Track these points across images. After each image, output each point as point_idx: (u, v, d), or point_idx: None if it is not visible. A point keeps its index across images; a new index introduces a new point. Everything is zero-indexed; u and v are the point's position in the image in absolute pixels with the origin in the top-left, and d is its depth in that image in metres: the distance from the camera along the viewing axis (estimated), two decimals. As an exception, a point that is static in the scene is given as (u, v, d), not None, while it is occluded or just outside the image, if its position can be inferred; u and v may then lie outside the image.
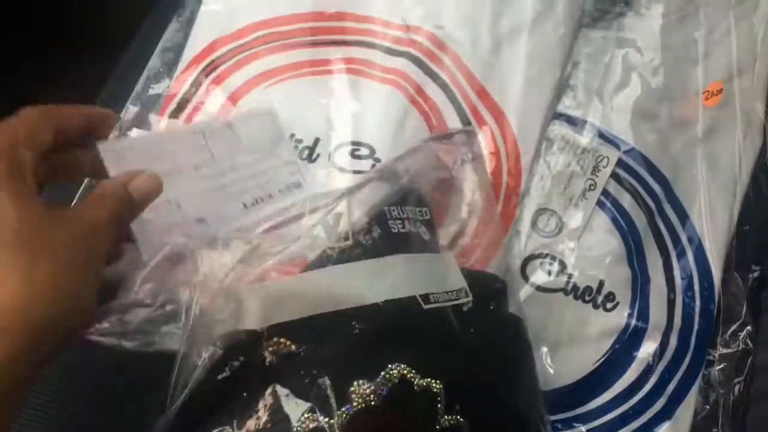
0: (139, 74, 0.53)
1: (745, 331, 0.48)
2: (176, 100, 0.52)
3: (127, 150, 0.38)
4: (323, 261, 0.37)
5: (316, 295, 0.35)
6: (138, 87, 0.52)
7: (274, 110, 0.50)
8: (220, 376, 0.33)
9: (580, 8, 0.57)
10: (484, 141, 0.52)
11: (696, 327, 0.50)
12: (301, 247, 0.35)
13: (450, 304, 0.39)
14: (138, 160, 0.38)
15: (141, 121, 0.51)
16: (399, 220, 0.40)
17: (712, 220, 0.52)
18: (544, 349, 0.48)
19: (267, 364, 0.34)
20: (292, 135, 0.51)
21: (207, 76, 0.53)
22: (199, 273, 0.31)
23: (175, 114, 0.51)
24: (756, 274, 0.50)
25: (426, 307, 0.38)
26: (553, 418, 0.47)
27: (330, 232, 0.36)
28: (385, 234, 0.39)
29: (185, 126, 0.49)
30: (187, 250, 0.32)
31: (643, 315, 0.50)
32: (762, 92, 0.54)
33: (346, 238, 0.38)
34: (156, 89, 0.52)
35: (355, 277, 0.37)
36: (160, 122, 0.51)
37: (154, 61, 0.54)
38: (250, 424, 0.33)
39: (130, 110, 0.51)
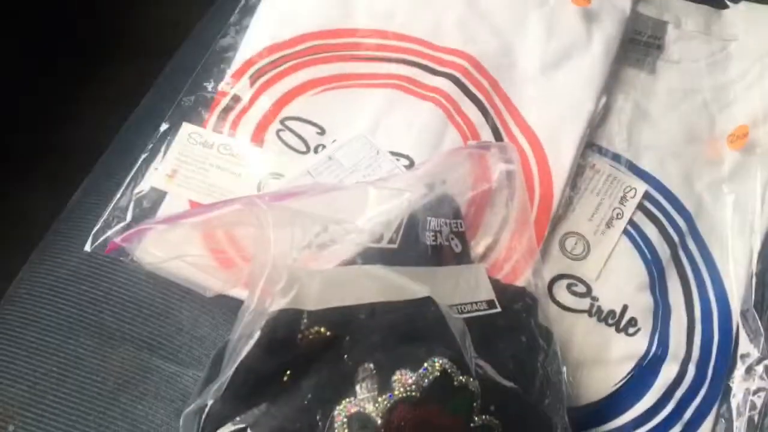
0: (190, 74, 0.55)
1: (761, 366, 0.49)
2: (226, 99, 0.54)
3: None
4: (368, 258, 0.39)
5: (368, 286, 0.36)
6: (190, 84, 0.54)
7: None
8: (267, 353, 0.34)
9: (616, 46, 0.59)
10: (518, 163, 0.54)
11: (713, 358, 0.51)
12: (361, 242, 0.36)
13: (480, 314, 0.41)
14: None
15: (191, 117, 0.53)
16: (434, 233, 0.42)
17: (733, 258, 0.53)
18: (565, 369, 0.49)
19: (313, 345, 0.35)
20: (334, 141, 0.53)
21: (257, 79, 0.55)
22: (270, 252, 0.32)
23: (225, 113, 0.53)
24: (774, 312, 0.51)
25: (458, 316, 0.39)
26: (572, 436, 0.47)
27: (387, 232, 0.38)
28: (423, 245, 0.41)
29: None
30: (260, 221, 0.33)
31: (664, 343, 0.51)
32: (786, 138, 0.56)
33: (393, 242, 0.39)
34: (207, 88, 0.54)
35: (399, 278, 0.38)
36: (210, 119, 0.53)
37: (207, 62, 0.56)
38: (293, 403, 0.34)
39: (182, 105, 0.53)
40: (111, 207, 0.48)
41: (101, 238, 0.47)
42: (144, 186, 0.49)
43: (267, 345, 0.34)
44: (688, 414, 0.49)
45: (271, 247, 0.33)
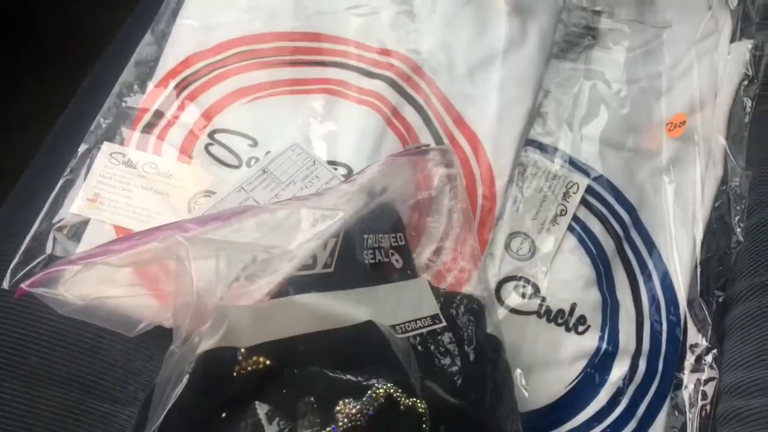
0: (110, 88, 0.52)
1: (710, 355, 0.50)
2: (149, 114, 0.51)
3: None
4: (302, 286, 0.37)
5: (302, 317, 0.34)
6: (110, 100, 0.51)
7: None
8: (200, 394, 0.32)
9: (550, 39, 0.59)
10: (459, 165, 0.52)
11: (663, 351, 0.51)
12: (293, 268, 0.34)
13: (425, 330, 0.39)
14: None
15: (112, 135, 0.50)
16: (372, 250, 0.40)
17: (677, 247, 0.53)
18: (518, 372, 0.48)
19: (249, 382, 0.33)
20: (268, 152, 0.51)
21: (182, 91, 0.52)
22: (193, 290, 0.30)
23: (148, 129, 0.50)
24: (720, 300, 0.51)
25: (400, 336, 0.38)
26: (528, 441, 0.47)
27: (321, 256, 0.36)
28: (361, 264, 0.39)
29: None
30: (180, 258, 0.30)
31: (613, 339, 0.50)
32: (723, 125, 0.56)
33: (328, 266, 0.37)
34: (128, 102, 0.51)
35: (338, 303, 0.36)
36: (132, 136, 0.50)
37: (127, 75, 0.52)
38: (230, 444, 0.32)
39: (101, 123, 0.50)
40: (29, 238, 0.45)
41: (20, 274, 0.43)
42: (64, 213, 0.46)
43: (199, 385, 0.32)
44: (641, 409, 0.49)
45: (194, 285, 0.30)
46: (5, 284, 0.43)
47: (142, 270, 0.36)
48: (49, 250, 0.44)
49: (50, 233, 0.45)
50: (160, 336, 0.41)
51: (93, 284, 0.33)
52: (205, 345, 0.31)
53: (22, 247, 0.44)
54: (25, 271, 0.43)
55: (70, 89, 0.55)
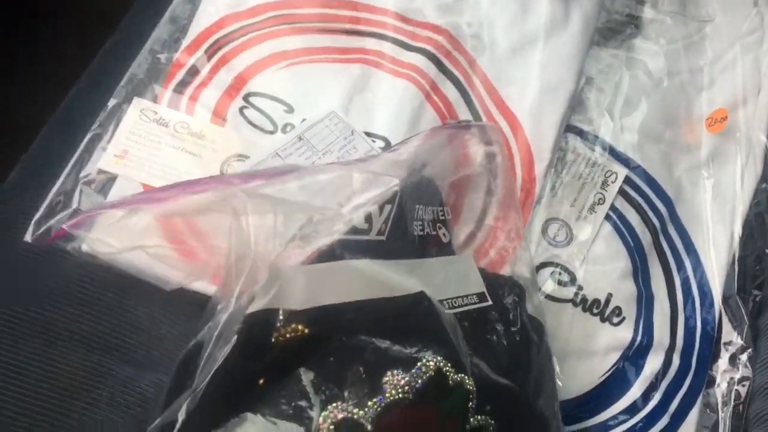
0: (141, 44, 0.50)
1: (745, 355, 0.48)
2: (182, 72, 0.49)
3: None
4: (355, 251, 0.35)
5: (355, 283, 0.32)
6: (141, 56, 0.49)
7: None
8: (247, 357, 0.30)
9: (593, 24, 0.57)
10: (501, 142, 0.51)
11: (697, 347, 0.49)
12: (349, 232, 0.33)
13: (472, 307, 0.38)
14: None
15: (143, 91, 0.47)
16: (421, 222, 0.39)
17: (714, 244, 0.52)
18: (556, 361, 0.47)
19: (298, 345, 0.31)
20: (303, 120, 0.49)
21: (215, 52, 0.50)
22: (249, 245, 0.28)
23: (181, 87, 0.48)
24: (757, 299, 0.50)
25: (450, 311, 0.36)
26: (561, 430, 0.45)
27: (376, 222, 0.34)
28: (411, 235, 0.37)
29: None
30: (237, 211, 0.29)
31: (648, 332, 0.49)
32: (765, 122, 0.55)
33: (381, 233, 0.36)
34: (161, 60, 0.49)
35: (391, 272, 0.35)
36: (164, 94, 0.48)
37: (160, 32, 0.50)
38: (275, 409, 0.30)
39: (132, 78, 0.48)
40: (54, 191, 0.43)
41: (44, 227, 0.41)
42: (91, 168, 0.44)
43: (246, 347, 0.30)
44: (674, 405, 0.47)
45: (251, 240, 0.28)
46: (28, 237, 0.41)
47: (175, 228, 0.34)
48: (75, 204, 0.42)
49: (76, 188, 0.43)
50: (186, 301, 0.40)
51: (132, 234, 0.31)
52: (257, 305, 0.29)
53: (48, 201, 0.42)
54: (49, 224, 0.41)
55: (91, 44, 0.53)
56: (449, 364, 0.33)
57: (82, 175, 0.43)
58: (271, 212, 0.30)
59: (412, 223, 0.37)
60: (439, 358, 0.33)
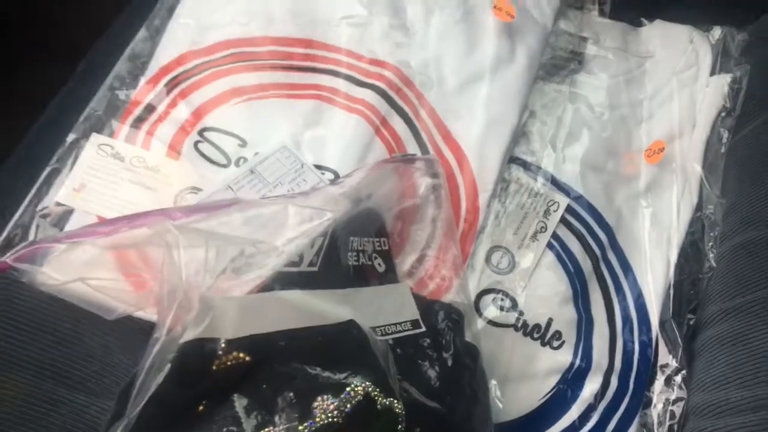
0: (101, 80, 0.52)
1: (679, 376, 0.51)
2: (140, 108, 0.51)
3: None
4: (287, 282, 0.37)
5: (286, 313, 0.34)
6: (101, 92, 0.51)
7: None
8: (182, 382, 0.32)
9: (538, 61, 0.60)
10: (444, 178, 0.53)
11: (635, 369, 0.52)
12: (280, 265, 0.35)
13: (404, 334, 0.40)
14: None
15: (102, 127, 0.50)
16: (356, 253, 0.41)
17: (651, 270, 0.55)
18: (494, 383, 0.49)
19: (228, 375, 0.33)
20: (256, 153, 0.51)
21: (173, 88, 0.52)
22: (181, 278, 0.30)
23: (138, 123, 0.50)
24: (691, 322, 0.53)
25: (380, 338, 0.38)
26: (499, 452, 0.47)
27: (307, 254, 0.36)
28: (345, 266, 0.39)
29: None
30: (169, 245, 0.31)
31: (587, 355, 0.51)
32: (700, 154, 0.57)
33: (313, 264, 0.38)
34: (119, 96, 0.51)
35: (321, 302, 0.37)
36: (121, 129, 0.50)
37: (120, 68, 0.53)
38: (207, 436, 0.32)
39: (91, 114, 0.50)
40: (11, 225, 0.45)
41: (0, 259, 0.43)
42: (49, 201, 0.46)
43: (180, 376, 0.32)
44: (611, 426, 0.49)
45: (182, 273, 0.30)
46: (-16, 268, 0.43)
47: (122, 258, 0.36)
48: (32, 236, 0.44)
49: (34, 220, 0.45)
50: (138, 329, 0.41)
51: (75, 266, 0.33)
52: (189, 335, 0.31)
53: (5, 233, 0.44)
54: (5, 256, 0.43)
55: (55, 82, 0.55)
56: (378, 389, 0.35)
57: (39, 208, 0.45)
58: (203, 246, 0.32)
59: (346, 254, 0.39)
60: (367, 383, 0.35)
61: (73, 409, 0.41)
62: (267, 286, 0.34)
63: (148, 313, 0.39)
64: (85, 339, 0.43)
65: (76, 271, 0.32)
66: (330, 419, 0.33)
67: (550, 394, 0.50)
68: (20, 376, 0.41)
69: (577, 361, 0.51)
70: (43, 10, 0.85)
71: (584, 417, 0.49)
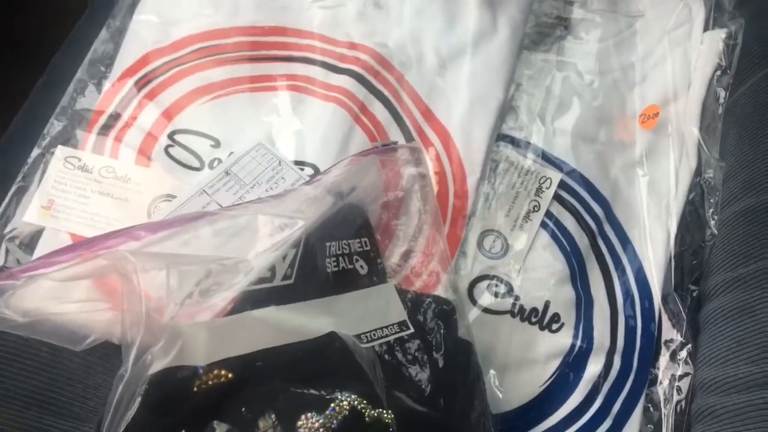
0: (64, 88, 0.50)
1: (685, 351, 0.49)
2: (106, 115, 0.49)
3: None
4: (261, 300, 0.35)
5: (261, 333, 0.33)
6: (64, 101, 0.49)
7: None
8: (155, 415, 0.30)
9: (521, 30, 0.57)
10: (429, 162, 0.51)
11: (638, 347, 0.50)
12: (250, 282, 0.33)
13: (392, 338, 0.38)
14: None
15: (67, 138, 0.48)
16: (335, 258, 0.39)
17: (651, 241, 0.53)
18: (492, 372, 0.48)
19: (207, 400, 0.31)
20: (231, 153, 0.49)
21: (140, 90, 0.50)
22: (142, 309, 0.29)
23: (104, 131, 0.48)
24: (694, 294, 0.51)
25: (365, 345, 0.36)
26: (502, 443, 0.46)
27: (281, 268, 0.34)
28: (324, 273, 0.38)
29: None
30: (127, 274, 0.29)
31: (588, 336, 0.50)
32: (696, 116, 0.55)
33: (288, 277, 0.36)
34: (83, 103, 0.49)
35: (298, 316, 0.35)
36: (88, 139, 0.48)
37: (82, 74, 0.50)
38: (189, 465, 0.31)
39: (55, 125, 0.48)
40: (-21, 249, 0.43)
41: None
42: (17, 222, 0.44)
43: (155, 405, 0.31)
44: (616, 407, 0.48)
45: (142, 303, 0.29)
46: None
47: (85, 288, 0.35)
48: (0, 262, 0.42)
49: (1, 244, 0.43)
50: (119, 349, 0.40)
51: (38, 298, 0.31)
52: (158, 365, 0.30)
53: (-27, 260, 0.43)
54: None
55: (23, 90, 0.53)
56: (364, 401, 0.33)
57: (7, 230, 0.44)
58: (164, 270, 0.30)
59: (323, 261, 0.37)
60: (353, 396, 0.33)
61: (59, 436, 0.41)
62: (239, 306, 0.32)
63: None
64: (64, 362, 0.42)
65: (38, 304, 0.31)
66: (316, 438, 0.32)
67: (551, 379, 0.48)
68: (5, 407, 0.40)
69: (578, 343, 0.49)
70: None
71: (588, 400, 0.48)
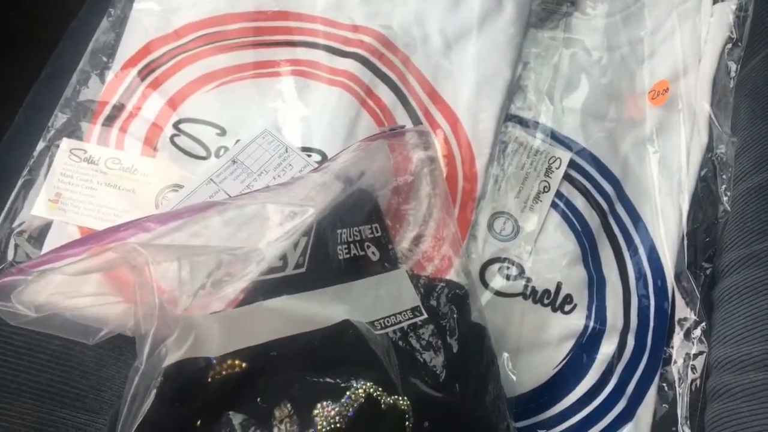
0: (67, 80, 0.50)
1: (699, 329, 0.49)
2: (110, 106, 0.48)
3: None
4: (273, 290, 0.35)
5: (275, 322, 0.33)
6: (67, 92, 0.49)
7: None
8: (171, 406, 0.30)
9: (527, 8, 0.56)
10: (437, 145, 0.51)
11: (652, 326, 0.50)
12: (262, 272, 0.33)
13: (405, 324, 0.38)
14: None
15: (72, 130, 0.47)
16: (347, 245, 0.38)
17: (663, 219, 0.52)
18: (506, 356, 0.47)
19: (222, 391, 0.31)
20: (237, 141, 0.48)
21: (143, 79, 0.50)
22: (155, 302, 0.29)
23: (109, 122, 0.48)
24: (708, 272, 0.50)
25: (379, 332, 0.36)
26: (518, 425, 0.46)
27: (292, 257, 0.34)
28: (336, 261, 0.37)
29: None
30: (139, 267, 0.29)
31: (601, 316, 0.49)
32: (707, 90, 0.54)
33: (300, 266, 0.36)
34: (87, 95, 0.49)
35: (312, 305, 0.35)
36: (93, 130, 0.47)
37: (84, 65, 0.50)
38: (206, 456, 0.31)
39: (59, 118, 0.47)
40: (-12, 244, 0.43)
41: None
42: (25, 216, 0.44)
43: (170, 397, 0.31)
44: (630, 387, 0.48)
45: (155, 296, 0.29)
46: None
47: (96, 281, 0.34)
48: (10, 257, 0.42)
49: (10, 238, 0.43)
50: (134, 340, 0.40)
51: (49, 293, 0.31)
52: (172, 358, 0.30)
53: (-18, 254, 0.43)
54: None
55: (25, 83, 0.52)
56: (380, 388, 0.33)
57: (15, 224, 0.43)
58: (176, 262, 0.30)
59: (335, 249, 0.37)
60: (368, 383, 0.33)
61: (74, 428, 0.41)
62: (251, 297, 0.32)
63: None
64: (77, 356, 0.41)
65: (47, 301, 0.31)
66: (332, 426, 0.32)
67: (565, 361, 0.48)
68: (20, 401, 0.41)
69: (591, 324, 0.49)
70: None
71: (602, 381, 0.48)
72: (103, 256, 0.29)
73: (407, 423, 0.34)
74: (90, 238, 0.33)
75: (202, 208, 0.36)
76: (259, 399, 0.32)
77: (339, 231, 0.37)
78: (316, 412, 0.32)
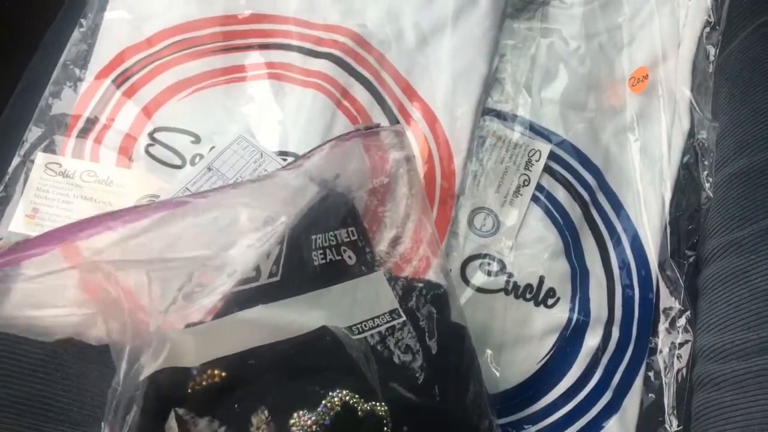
0: (42, 90, 0.49)
1: (684, 318, 0.49)
2: (83, 118, 0.48)
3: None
4: (248, 301, 0.35)
5: (251, 333, 0.33)
6: (41, 105, 0.48)
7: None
8: (155, 420, 0.30)
9: (503, -1, 0.56)
10: (415, 143, 0.50)
11: (636, 316, 0.50)
12: (235, 283, 0.33)
13: (383, 327, 0.38)
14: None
15: (47, 144, 0.47)
16: (322, 250, 0.38)
17: (645, 208, 0.52)
18: (489, 352, 0.48)
19: (200, 400, 0.31)
20: (212, 148, 0.48)
21: (117, 89, 0.49)
22: (126, 318, 0.29)
23: (84, 134, 0.48)
24: (691, 260, 0.50)
25: (356, 337, 0.36)
26: (502, 421, 0.46)
27: (265, 266, 0.34)
28: (311, 267, 0.37)
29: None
30: (107, 288, 0.29)
31: (584, 308, 0.49)
32: (687, 76, 0.54)
33: (273, 274, 0.36)
34: (60, 107, 0.48)
35: (287, 313, 0.35)
36: (68, 143, 0.47)
37: (57, 76, 0.49)
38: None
39: (34, 131, 0.47)
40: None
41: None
42: (2, 232, 0.44)
43: (152, 409, 0.31)
44: (616, 378, 0.48)
45: (126, 314, 0.29)
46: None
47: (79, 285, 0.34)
48: (-13, 274, 0.42)
49: (-12, 256, 0.43)
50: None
51: (12, 306, 0.31)
52: (149, 370, 0.30)
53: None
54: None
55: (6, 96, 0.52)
56: (356, 396, 0.33)
57: (-8, 242, 0.44)
58: (145, 277, 0.30)
59: (310, 255, 0.36)
60: (345, 392, 0.33)
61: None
62: (226, 309, 0.32)
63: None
64: (59, 369, 0.42)
65: (11, 314, 0.31)
66: (309, 436, 0.32)
67: (549, 355, 0.48)
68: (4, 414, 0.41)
69: (575, 316, 0.49)
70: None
71: (587, 373, 0.48)
72: (66, 273, 0.29)
73: (385, 429, 0.34)
74: (51, 237, 0.32)
75: (172, 210, 0.35)
76: (236, 406, 0.32)
77: (314, 237, 0.37)
78: (292, 421, 0.32)
